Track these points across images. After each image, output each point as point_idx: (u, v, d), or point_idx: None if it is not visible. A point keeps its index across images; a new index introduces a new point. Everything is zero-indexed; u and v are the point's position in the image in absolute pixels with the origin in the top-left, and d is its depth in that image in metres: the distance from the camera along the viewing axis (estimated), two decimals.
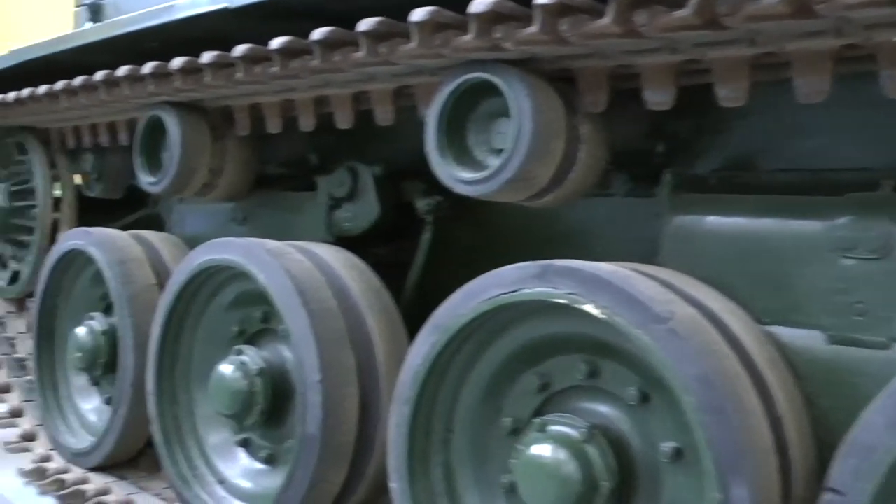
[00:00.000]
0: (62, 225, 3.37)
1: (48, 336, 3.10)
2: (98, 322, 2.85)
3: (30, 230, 3.50)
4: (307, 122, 2.33)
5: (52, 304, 3.08)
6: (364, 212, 2.46)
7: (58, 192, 3.44)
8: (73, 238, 2.90)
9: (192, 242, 2.93)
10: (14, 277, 3.60)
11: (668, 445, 1.64)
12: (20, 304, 3.64)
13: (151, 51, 2.52)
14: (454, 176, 1.91)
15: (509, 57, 1.83)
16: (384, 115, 2.16)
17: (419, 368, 1.89)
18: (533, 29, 1.68)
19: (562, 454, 1.71)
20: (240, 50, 2.11)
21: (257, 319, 2.38)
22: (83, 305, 3.05)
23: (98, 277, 2.94)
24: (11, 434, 3.17)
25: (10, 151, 3.61)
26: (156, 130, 2.62)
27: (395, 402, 1.93)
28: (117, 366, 2.73)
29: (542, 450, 1.74)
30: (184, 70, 2.31)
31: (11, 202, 3.49)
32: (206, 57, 2.21)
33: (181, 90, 2.38)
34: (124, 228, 3.41)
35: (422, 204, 2.40)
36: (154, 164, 2.64)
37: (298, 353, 2.09)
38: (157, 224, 3.31)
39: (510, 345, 1.91)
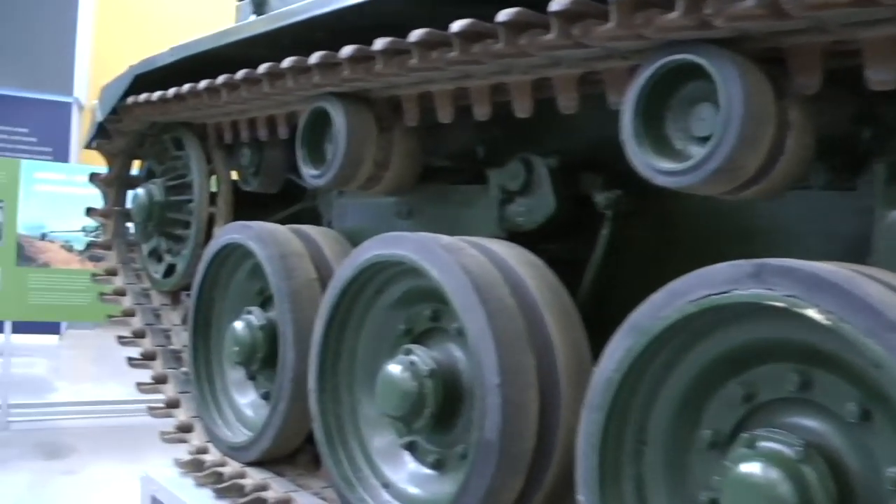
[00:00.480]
0: (218, 219, 3.42)
1: (204, 329, 3.14)
2: (256, 317, 2.86)
3: (185, 224, 3.57)
4: (482, 111, 2.25)
5: (209, 298, 3.12)
6: (539, 206, 2.36)
7: (213, 188, 3.48)
8: (232, 232, 2.92)
9: (352, 237, 2.91)
10: (169, 271, 3.68)
11: (894, 472, 1.46)
12: (175, 296, 3.72)
13: (315, 42, 2.49)
14: (654, 166, 1.79)
15: (717, 35, 1.69)
16: (568, 103, 2.06)
17: (613, 374, 1.77)
18: (749, 2, 1.54)
19: (775, 474, 1.56)
20: (416, 35, 2.05)
21: (426, 317, 2.31)
22: (240, 299, 3.07)
23: (256, 271, 2.95)
24: (168, 424, 3.22)
25: (166, 147, 3.69)
26: (319, 123, 2.59)
27: (586, 409, 1.82)
28: (276, 361, 2.72)
29: (753, 468, 1.60)
30: (353, 59, 2.26)
31: (167, 197, 3.56)
32: (379, 44, 2.16)
33: (349, 80, 2.35)
34: (280, 223, 3.44)
35: (601, 198, 2.28)
36: (317, 158, 2.61)
37: (476, 354, 2.00)
38: (313, 218, 3.31)
39: (713, 350, 1.77)
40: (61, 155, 9.35)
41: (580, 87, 2.06)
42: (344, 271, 2.41)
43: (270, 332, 2.83)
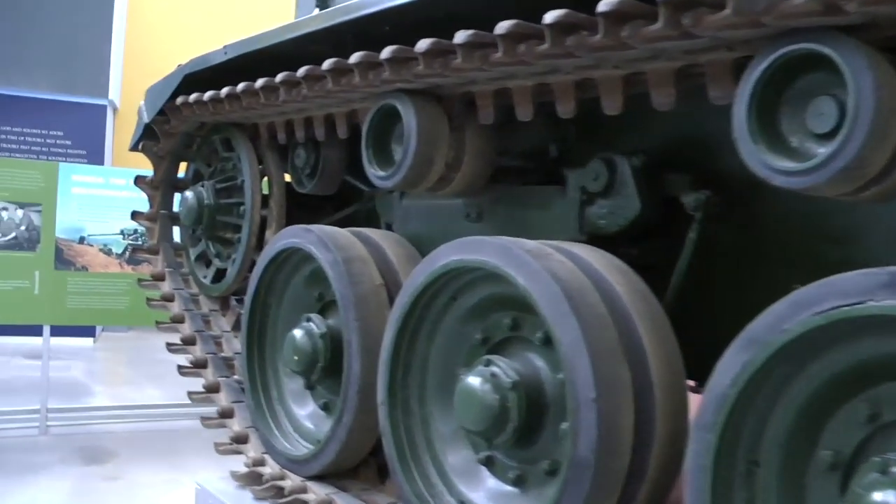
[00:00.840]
0: (270, 223, 3.30)
1: (259, 336, 3.02)
2: (317, 324, 2.73)
3: (236, 228, 3.46)
4: (566, 109, 2.11)
5: (264, 304, 3.00)
6: (622, 207, 2.22)
7: (264, 190, 3.36)
8: (291, 236, 2.80)
9: (416, 241, 2.79)
10: (218, 276, 3.57)
11: None
12: (224, 302, 3.61)
13: (378, 38, 2.37)
14: (771, 166, 1.65)
15: (843, 23, 1.55)
16: (664, 99, 1.92)
17: (728, 390, 1.63)
18: None
19: None
20: (503, 27, 1.91)
21: (506, 326, 2.18)
22: (297, 306, 2.95)
23: (315, 277, 2.83)
24: (222, 435, 3.10)
25: (215, 148, 3.58)
26: (386, 121, 2.46)
27: (696, 428, 1.68)
28: (342, 371, 2.60)
29: (887, 497, 1.44)
30: (430, 53, 2.13)
31: (217, 200, 3.44)
32: (460, 37, 2.02)
33: (423, 76, 2.22)
34: (333, 226, 3.32)
35: (689, 199, 2.14)
36: (383, 158, 2.48)
37: (569, 366, 1.87)
38: (369, 221, 3.19)
39: (835, 365, 1.63)
40: (96, 157, 9.31)
41: (678, 82, 1.91)
42: (417, 277, 2.28)
43: (332, 341, 2.71)
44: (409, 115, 2.36)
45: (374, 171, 2.49)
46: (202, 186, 3.50)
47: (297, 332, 2.77)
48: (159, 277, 3.71)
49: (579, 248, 2.16)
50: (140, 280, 3.80)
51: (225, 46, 2.98)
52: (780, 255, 2.17)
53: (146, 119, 3.60)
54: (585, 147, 2.49)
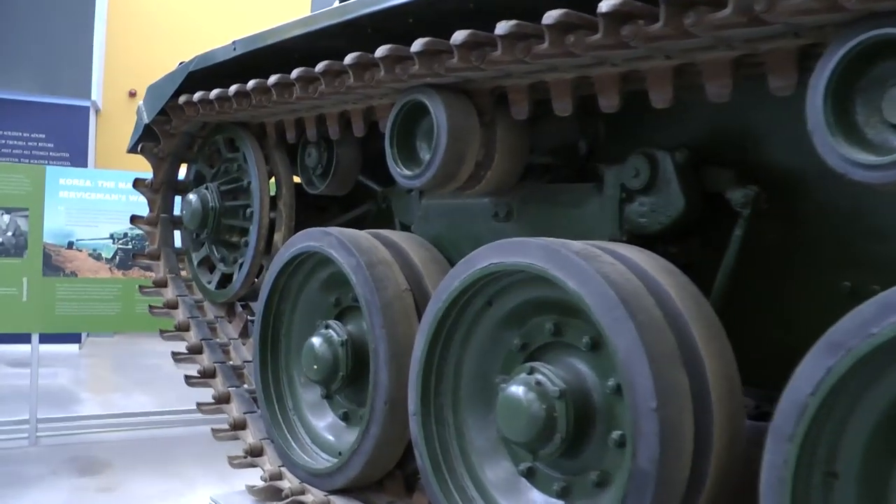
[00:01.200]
0: (279, 225, 3.16)
1: (272, 344, 2.88)
2: (336, 331, 2.60)
3: (242, 231, 3.31)
4: (611, 103, 2.00)
5: (277, 310, 2.86)
6: (665, 205, 2.11)
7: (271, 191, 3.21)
8: (307, 239, 2.66)
9: (437, 242, 2.67)
10: (223, 281, 3.42)
11: None
12: (230, 309, 3.45)
13: (399, 32, 2.24)
14: (851, 159, 1.53)
15: None
16: (720, 90, 1.82)
17: (809, 399, 1.53)
18: None
19: None
20: (552, 16, 1.79)
21: (548, 331, 2.06)
22: (312, 312, 2.82)
23: (331, 281, 2.70)
24: (235, 448, 2.95)
25: (218, 149, 3.43)
26: (410, 118, 2.33)
27: (774, 438, 1.57)
28: (364, 380, 2.47)
29: None
30: (466, 45, 2.00)
31: (223, 202, 3.28)
32: (502, 27, 1.89)
33: (456, 69, 2.09)
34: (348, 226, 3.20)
35: (737, 195, 2.04)
36: (407, 157, 2.35)
37: (627, 374, 1.75)
38: (380, 222, 3.06)
39: None
40: (79, 160, 9.06)
41: (734, 72, 1.80)
42: (453, 281, 2.15)
43: (354, 349, 2.58)
44: (438, 111, 2.23)
45: (399, 171, 2.36)
46: (206, 189, 3.35)
47: (316, 340, 2.63)
48: (161, 284, 3.55)
49: (625, 249, 2.04)
50: (141, 287, 3.63)
51: (234, 42, 2.82)
52: (825, 251, 2.07)
53: (146, 119, 3.44)
54: (617, 143, 2.39)
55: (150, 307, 3.52)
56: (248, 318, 3.41)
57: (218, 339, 3.30)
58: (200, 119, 3.32)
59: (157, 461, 5.48)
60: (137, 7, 11.46)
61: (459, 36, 1.99)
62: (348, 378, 2.59)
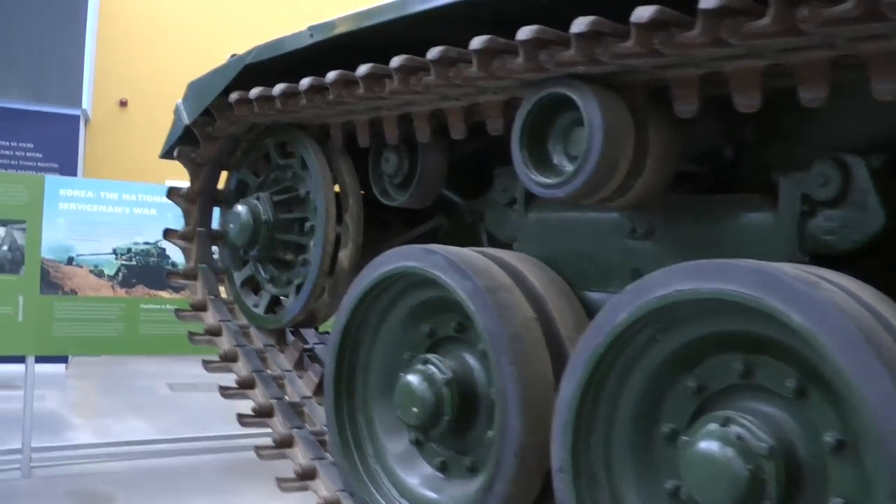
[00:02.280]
0: (346, 241, 2.73)
1: (348, 380, 2.44)
2: (439, 368, 2.17)
3: (297, 248, 2.87)
4: (814, 95, 1.61)
5: (356, 341, 2.41)
6: (860, 220, 1.75)
7: None
8: (404, 258, 2.25)
9: (553, 263, 2.28)
10: (272, 304, 2.97)
11: None
12: (280, 336, 3.00)
13: (511, 18, 1.86)
14: None
15: None
16: (887, 87, 1.44)
17: None
18: None
19: None
20: None
21: (736, 373, 1.66)
22: (397, 343, 2.40)
23: (425, 308, 2.29)
24: (307, 500, 2.51)
25: (266, 154, 3.00)
26: (545, 115, 1.93)
27: None
28: (473, 426, 2.08)
29: None
30: (649, 25, 1.60)
31: (276, 214, 2.84)
32: (709, 1, 1.49)
33: (627, 55, 1.68)
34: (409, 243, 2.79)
35: None
36: (538, 162, 1.95)
37: (882, 435, 1.36)
38: (457, 238, 2.65)
39: None
40: (68, 170, 8.48)
41: None
42: (617, 313, 1.75)
43: (461, 389, 2.15)
44: (590, 107, 1.83)
45: (533, 178, 1.96)
46: (256, 199, 2.90)
47: (414, 379, 2.21)
48: (200, 307, 3.09)
49: (829, 273, 1.65)
50: (178, 310, 3.16)
51: (310, 28, 2.40)
52: None
53: (186, 120, 2.99)
54: (768, 148, 2.01)
55: (191, 333, 3.05)
56: (304, 347, 2.97)
57: (270, 372, 2.85)
58: (252, 120, 2.88)
59: (163, 494, 4.97)
60: (129, 16, 10.91)
61: (644, 13, 1.59)
62: (453, 423, 2.17)
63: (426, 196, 2.61)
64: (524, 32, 1.80)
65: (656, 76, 1.85)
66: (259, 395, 2.74)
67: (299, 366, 2.91)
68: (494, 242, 2.66)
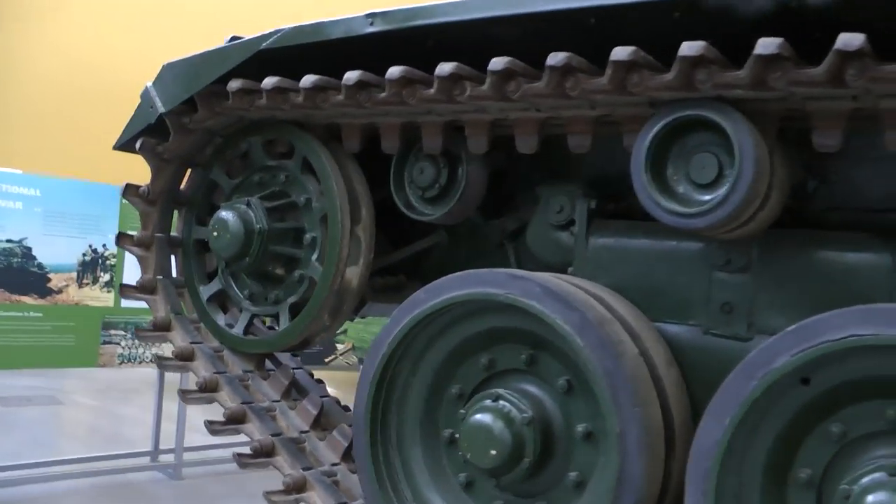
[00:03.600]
0: (355, 257, 2.52)
1: (383, 415, 2.24)
2: (517, 405, 2.04)
3: (290, 261, 2.61)
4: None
5: (395, 372, 2.22)
6: None
7: None
8: (480, 283, 2.11)
9: (621, 293, 2.21)
10: (249, 324, 2.70)
11: None
12: (259, 361, 2.72)
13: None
14: None
15: None
16: None
17: None
18: None
19: None
20: None
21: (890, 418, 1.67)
22: (442, 375, 2.25)
23: (485, 337, 2.15)
24: None
25: (245, 153, 2.72)
26: (671, 137, 1.88)
27: None
28: (547, 468, 1.98)
29: None
30: (856, 54, 1.59)
31: (271, 222, 2.58)
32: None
33: (815, 82, 1.66)
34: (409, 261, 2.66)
35: None
36: (661, 187, 1.89)
37: None
38: (470, 255, 2.64)
39: None
40: None
41: None
42: (774, 356, 1.70)
43: (543, 429, 2.04)
44: (742, 136, 1.79)
45: (664, 205, 1.88)
46: (247, 205, 2.61)
47: (486, 417, 2.05)
48: (164, 326, 2.73)
49: None
50: (138, 329, 2.77)
51: (370, 14, 2.18)
52: None
53: (161, 107, 2.64)
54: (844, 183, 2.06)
55: (159, 358, 2.68)
56: (294, 371, 2.70)
57: (260, 403, 2.56)
58: (245, 113, 2.59)
59: None
60: None
61: (854, 40, 1.56)
62: (534, 466, 2.04)
63: (463, 212, 2.46)
64: (689, 48, 1.72)
65: (792, 106, 1.84)
66: (256, 432, 2.45)
67: (287, 395, 2.64)
68: (524, 264, 2.56)
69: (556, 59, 1.90)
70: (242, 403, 2.51)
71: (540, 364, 2.12)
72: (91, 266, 4.73)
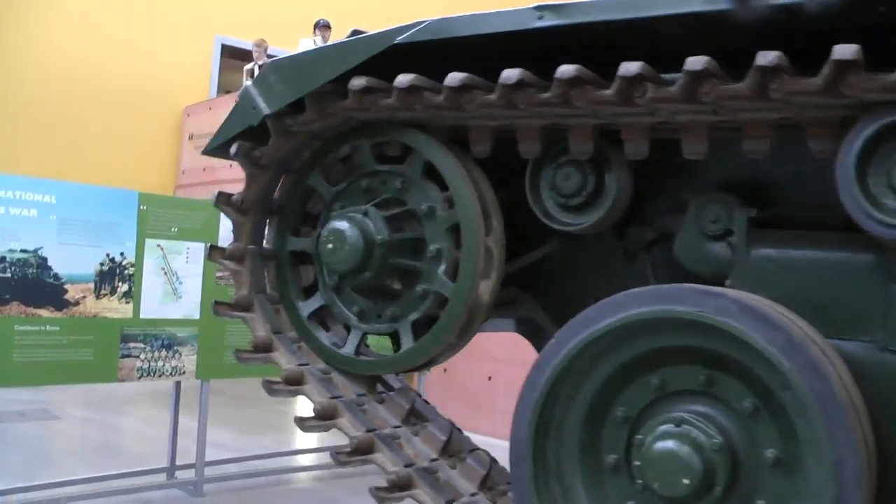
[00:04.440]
0: (486, 271, 2.42)
1: (543, 443, 2.16)
2: (705, 431, 1.99)
3: (409, 275, 2.51)
4: None
5: (559, 394, 2.15)
6: None
7: None
8: (667, 300, 2.03)
9: (788, 307, 2.16)
10: (360, 344, 2.60)
11: None
12: (371, 385, 2.61)
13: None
14: None
15: None
16: None
17: None
18: None
19: None
20: None
21: None
22: (604, 397, 2.17)
23: (650, 358, 2.10)
24: None
25: (346, 157, 2.61)
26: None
27: None
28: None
29: None
30: None
31: (391, 233, 2.47)
32: None
33: None
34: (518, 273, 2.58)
35: None
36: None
37: None
38: (593, 267, 2.62)
39: None
40: None
41: None
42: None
43: (730, 455, 1.98)
44: None
45: (881, 218, 1.84)
46: (364, 214, 2.49)
47: (674, 444, 1.99)
48: (266, 347, 2.59)
49: None
50: (238, 352, 2.62)
51: (538, 7, 2.09)
52: None
53: (265, 108, 2.50)
54: None
55: (268, 382, 2.53)
56: (415, 397, 2.60)
57: (383, 430, 2.45)
58: (362, 115, 2.47)
59: None
60: None
61: None
62: (723, 495, 1.98)
63: (609, 222, 2.39)
64: None
65: None
66: (388, 463, 2.34)
67: (408, 420, 2.54)
68: (661, 276, 2.50)
69: (766, 58, 1.83)
70: (368, 431, 2.40)
71: (720, 385, 2.07)
72: (109, 276, 4.52)
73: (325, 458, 5.91)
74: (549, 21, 2.09)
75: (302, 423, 2.46)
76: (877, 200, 1.88)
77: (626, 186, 2.35)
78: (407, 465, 2.36)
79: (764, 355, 1.91)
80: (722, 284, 2.27)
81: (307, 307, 2.68)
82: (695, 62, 1.90)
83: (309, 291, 2.73)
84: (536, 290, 2.76)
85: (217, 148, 2.68)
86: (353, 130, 2.60)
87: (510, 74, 2.14)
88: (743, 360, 2.00)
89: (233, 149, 2.60)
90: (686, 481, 1.98)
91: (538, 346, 2.91)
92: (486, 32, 2.17)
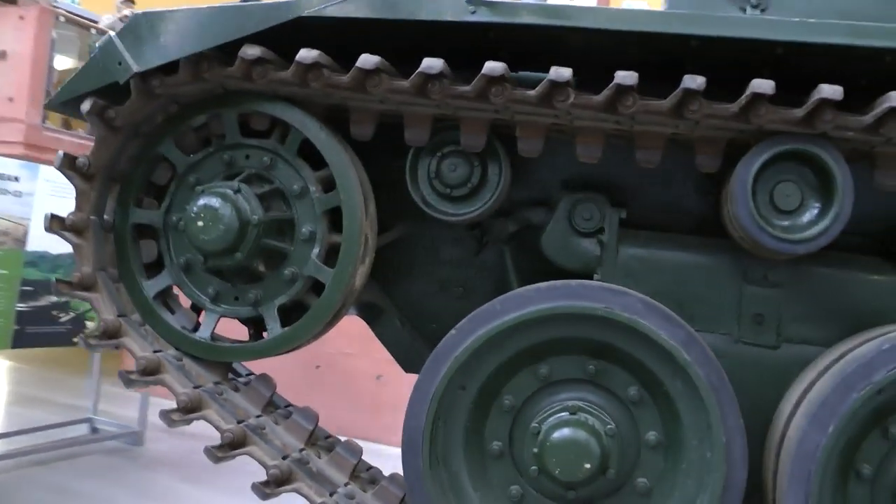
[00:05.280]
0: (362, 256, 2.45)
1: (434, 433, 2.27)
2: (599, 417, 2.26)
3: (275, 257, 2.46)
4: None
5: (453, 385, 2.27)
6: None
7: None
8: (575, 296, 2.23)
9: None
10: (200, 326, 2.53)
11: None
12: (224, 371, 2.53)
13: None
14: None
15: None
16: None
17: None
18: None
19: None
20: None
21: None
22: (495, 387, 2.35)
23: (541, 349, 2.31)
24: None
25: (201, 126, 2.51)
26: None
27: None
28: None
29: None
30: None
31: (266, 212, 2.42)
32: None
33: None
34: None
35: None
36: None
37: None
38: (437, 253, 2.78)
39: None
40: None
41: None
42: (879, 370, 2.08)
43: (620, 439, 2.24)
44: (843, 173, 2.16)
45: (771, 231, 2.18)
46: (238, 192, 2.39)
47: (574, 432, 2.22)
48: (114, 332, 2.38)
49: None
50: (86, 336, 2.36)
51: (472, 2, 2.15)
52: None
53: (134, 66, 2.29)
54: None
55: (125, 373, 2.31)
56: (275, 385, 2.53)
57: (250, 421, 2.38)
58: (242, 86, 2.37)
59: None
60: None
61: None
62: (616, 480, 2.22)
63: (487, 213, 2.51)
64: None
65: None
66: (265, 457, 2.27)
67: (268, 409, 2.48)
68: (521, 267, 2.67)
69: (762, 85, 2.07)
70: (240, 425, 2.32)
71: (606, 375, 2.29)
72: None
73: None
74: (481, 18, 2.17)
75: (167, 416, 2.30)
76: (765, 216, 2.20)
77: (509, 179, 2.50)
78: (284, 458, 2.32)
79: (665, 349, 2.16)
80: (590, 278, 2.50)
81: (152, 287, 2.51)
82: (625, 77, 2.10)
83: (151, 269, 2.55)
84: (380, 274, 2.80)
85: (64, 103, 2.40)
86: (216, 98, 2.48)
87: (432, 64, 2.19)
88: (632, 352, 2.24)
89: (85, 105, 2.35)
90: (588, 465, 2.19)
91: (377, 329, 2.97)
92: (418, 19, 2.19)
